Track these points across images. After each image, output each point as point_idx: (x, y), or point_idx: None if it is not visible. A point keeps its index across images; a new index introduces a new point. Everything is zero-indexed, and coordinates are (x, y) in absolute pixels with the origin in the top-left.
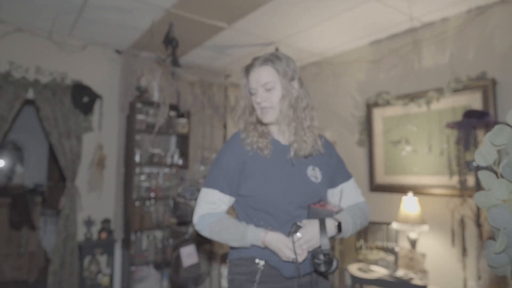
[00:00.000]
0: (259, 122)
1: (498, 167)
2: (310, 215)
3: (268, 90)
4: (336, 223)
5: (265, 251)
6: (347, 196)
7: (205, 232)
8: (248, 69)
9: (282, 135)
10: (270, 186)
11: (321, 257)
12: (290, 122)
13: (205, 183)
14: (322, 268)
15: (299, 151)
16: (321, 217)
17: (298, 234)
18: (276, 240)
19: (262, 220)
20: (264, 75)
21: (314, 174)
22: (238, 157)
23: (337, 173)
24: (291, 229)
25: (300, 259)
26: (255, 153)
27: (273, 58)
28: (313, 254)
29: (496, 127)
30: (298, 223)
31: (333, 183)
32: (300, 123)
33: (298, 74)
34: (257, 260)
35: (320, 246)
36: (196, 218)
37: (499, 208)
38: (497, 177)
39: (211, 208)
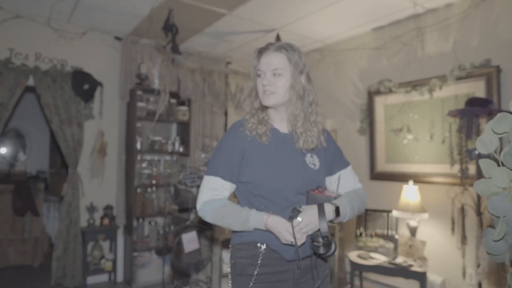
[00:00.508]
0: (261, 108)
1: (499, 155)
2: (309, 201)
3: (276, 75)
4: (334, 207)
5: (266, 235)
6: (344, 182)
7: (209, 218)
8: (261, 52)
9: (282, 123)
10: (270, 172)
11: (320, 239)
12: (299, 113)
13: (207, 171)
14: (321, 251)
15: (304, 144)
16: (320, 203)
17: (298, 219)
18: (276, 224)
19: (262, 205)
20: (276, 61)
21: (313, 161)
22: (238, 145)
23: (335, 161)
24: (291, 214)
25: (299, 242)
26: (254, 140)
27: (288, 47)
28: (312, 237)
29: (499, 115)
30: (298, 208)
31: (331, 171)
32: (306, 116)
33: (307, 70)
34: (259, 244)
35: (319, 230)
36: (199, 205)
37: (500, 196)
38: (498, 165)
39: (213, 195)
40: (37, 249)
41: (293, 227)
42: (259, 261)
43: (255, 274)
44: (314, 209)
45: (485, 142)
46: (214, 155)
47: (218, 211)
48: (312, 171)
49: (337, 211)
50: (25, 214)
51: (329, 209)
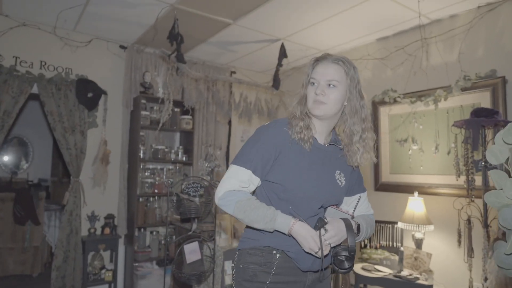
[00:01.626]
0: (307, 115)
1: (510, 166)
2: (328, 216)
3: (330, 86)
4: (357, 225)
5: (284, 242)
6: (360, 205)
7: (229, 208)
8: (318, 61)
9: (321, 135)
10: (302, 179)
11: (343, 254)
12: (348, 127)
13: (238, 160)
14: (345, 265)
15: (347, 159)
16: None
17: (326, 228)
18: (304, 231)
19: (287, 210)
20: (333, 72)
21: (340, 178)
22: (278, 143)
23: (357, 184)
24: (317, 223)
25: (324, 253)
26: (296, 143)
27: (345, 61)
28: (336, 251)
29: (509, 125)
30: (324, 219)
31: (350, 192)
32: (357, 133)
33: (360, 86)
34: (274, 251)
35: (341, 244)
36: (221, 193)
37: (511, 208)
38: (509, 176)
39: (241, 186)
40: (37, 258)
41: (320, 236)
42: (273, 269)
43: (268, 282)
44: (340, 222)
45: (495, 152)
46: (249, 146)
47: (243, 203)
48: (338, 187)
49: (358, 228)
50: (26, 223)
51: (354, 225)
